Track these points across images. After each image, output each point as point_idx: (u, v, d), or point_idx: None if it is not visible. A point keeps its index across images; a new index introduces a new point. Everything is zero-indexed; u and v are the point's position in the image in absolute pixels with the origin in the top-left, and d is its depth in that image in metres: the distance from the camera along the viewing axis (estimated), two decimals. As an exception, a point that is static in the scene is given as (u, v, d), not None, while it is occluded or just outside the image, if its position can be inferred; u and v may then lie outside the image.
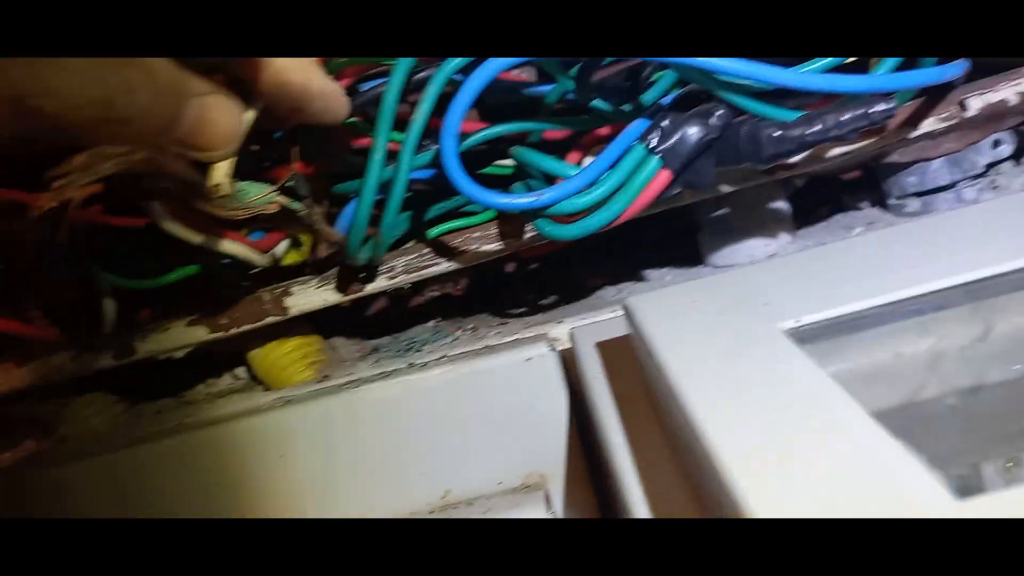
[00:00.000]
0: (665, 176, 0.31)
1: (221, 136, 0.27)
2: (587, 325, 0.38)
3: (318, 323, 0.50)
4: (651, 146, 0.31)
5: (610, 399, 0.30)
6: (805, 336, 0.25)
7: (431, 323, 0.49)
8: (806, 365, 0.22)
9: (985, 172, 0.41)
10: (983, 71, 0.37)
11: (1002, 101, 0.36)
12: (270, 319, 0.39)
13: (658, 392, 0.26)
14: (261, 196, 0.30)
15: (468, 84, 0.29)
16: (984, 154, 0.40)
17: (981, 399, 0.23)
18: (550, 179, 0.37)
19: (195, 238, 0.36)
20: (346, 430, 0.37)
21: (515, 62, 0.29)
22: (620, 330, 0.36)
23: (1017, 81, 0.37)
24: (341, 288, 0.39)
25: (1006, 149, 0.40)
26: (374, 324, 0.54)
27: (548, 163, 0.33)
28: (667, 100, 0.33)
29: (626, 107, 0.35)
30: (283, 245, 0.41)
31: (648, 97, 0.35)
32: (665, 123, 0.31)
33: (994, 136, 0.40)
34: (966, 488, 0.17)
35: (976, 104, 0.36)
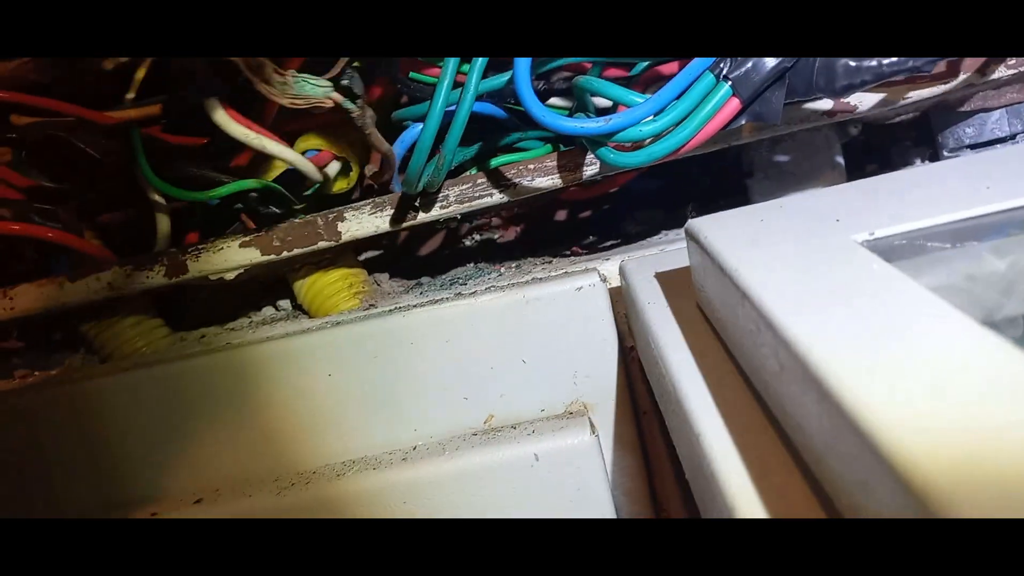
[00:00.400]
0: (734, 104, 0.31)
1: None
2: (638, 258, 0.38)
3: (361, 259, 0.50)
4: (722, 74, 0.31)
5: (670, 323, 0.30)
6: (881, 249, 0.24)
7: (471, 265, 0.49)
8: (891, 273, 0.22)
9: (1045, 127, 0.41)
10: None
11: (1072, 50, 0.36)
12: (322, 243, 0.39)
13: (731, 314, 0.26)
14: (319, 87, 0.31)
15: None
16: (1046, 108, 0.39)
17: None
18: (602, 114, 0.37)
19: (252, 140, 0.36)
20: (392, 354, 0.37)
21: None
22: (671, 262, 0.35)
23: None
24: (395, 216, 0.39)
25: (1068, 104, 0.40)
26: (415, 265, 0.54)
27: (615, 91, 0.33)
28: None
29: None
30: (335, 165, 0.42)
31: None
32: (737, 49, 0.31)
33: (1057, 89, 0.39)
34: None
35: (1045, 52, 0.36)
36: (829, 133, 0.41)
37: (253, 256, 0.40)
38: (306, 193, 0.41)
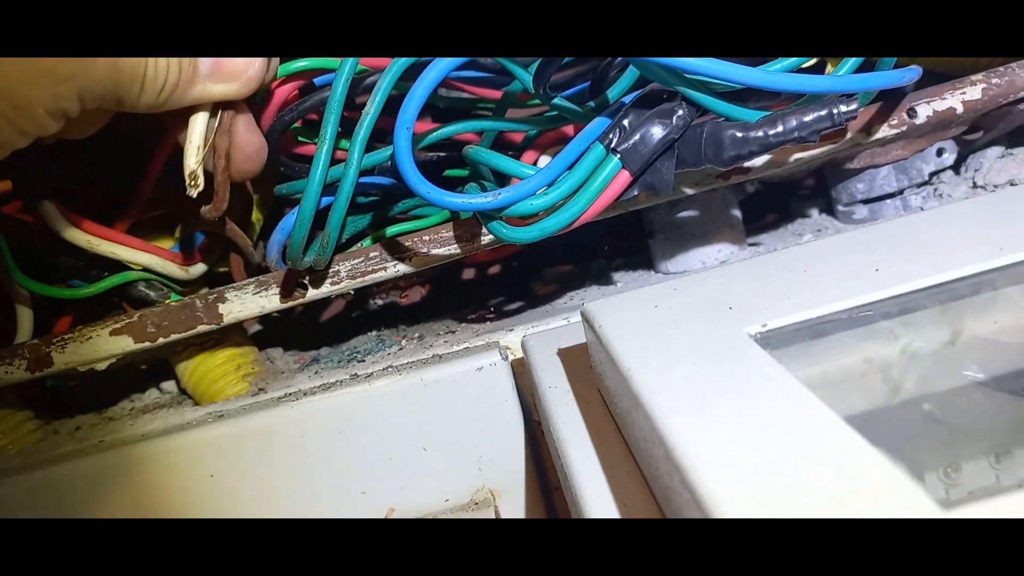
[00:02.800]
0: (625, 177, 0.30)
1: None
2: (539, 332, 0.36)
3: (252, 332, 0.47)
4: (611, 145, 0.30)
5: (569, 408, 0.29)
6: (771, 341, 0.24)
7: (373, 333, 0.47)
8: (776, 370, 0.21)
9: (929, 180, 0.42)
10: (929, 80, 0.38)
11: (949, 109, 0.37)
12: (202, 327, 0.37)
13: (620, 401, 0.25)
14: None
15: (424, 77, 0.28)
16: (929, 162, 0.40)
17: (952, 403, 0.22)
18: (503, 182, 0.36)
19: (99, 247, 0.34)
20: (282, 447, 0.34)
21: (466, 60, 0.28)
22: (573, 337, 0.34)
23: (962, 89, 0.37)
24: (281, 294, 0.37)
25: (949, 158, 0.41)
26: (313, 334, 0.52)
27: (504, 162, 0.32)
28: (627, 99, 0.32)
29: (585, 106, 0.34)
30: (205, 265, 0.39)
31: (608, 95, 0.34)
32: (626, 122, 0.30)
33: (938, 144, 0.40)
34: (946, 494, 0.16)
35: (924, 112, 0.37)
36: (726, 192, 0.41)
37: (125, 344, 0.36)
38: (193, 281, 0.38)
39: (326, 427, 0.34)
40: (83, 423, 0.41)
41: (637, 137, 0.30)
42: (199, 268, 0.38)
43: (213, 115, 0.31)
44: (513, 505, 0.35)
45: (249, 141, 0.31)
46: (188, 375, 0.40)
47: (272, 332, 0.50)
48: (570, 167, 0.31)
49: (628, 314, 0.26)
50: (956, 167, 0.43)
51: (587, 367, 0.31)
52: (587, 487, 0.25)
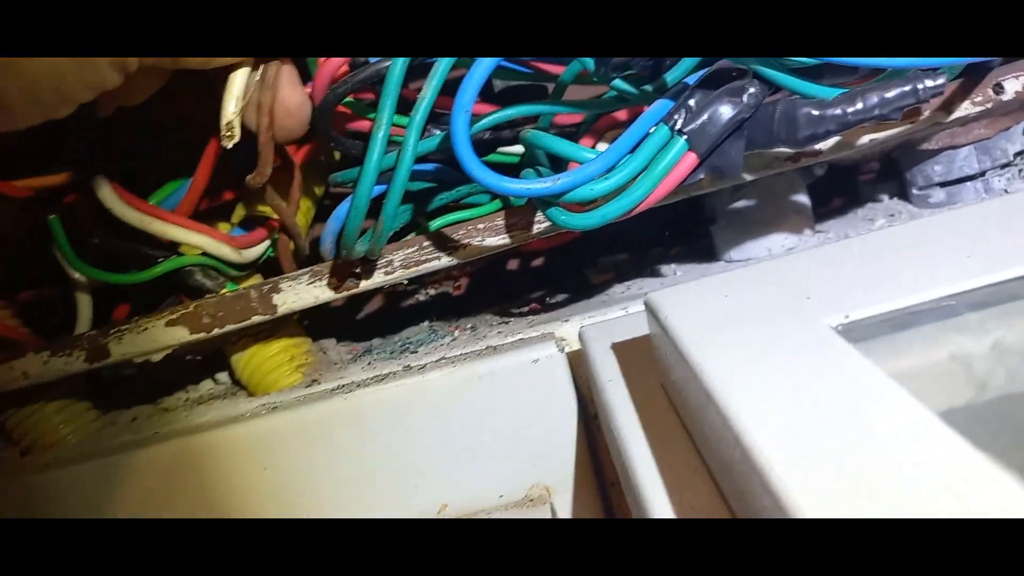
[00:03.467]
0: (691, 159, 0.29)
1: None
2: (597, 323, 0.35)
3: (305, 323, 0.47)
4: (676, 127, 0.29)
5: (630, 404, 0.28)
6: (855, 333, 0.22)
7: (425, 323, 0.46)
8: (863, 364, 0.20)
9: (1014, 160, 0.39)
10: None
11: (1040, 84, 0.34)
12: (256, 318, 0.36)
13: (688, 397, 0.24)
14: None
15: (482, 61, 0.27)
16: (1015, 141, 0.38)
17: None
18: (558, 167, 0.35)
19: (150, 225, 0.34)
20: (335, 439, 0.34)
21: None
22: (632, 329, 0.33)
23: (1055, 63, 0.35)
24: (334, 284, 0.36)
25: (1037, 137, 0.38)
26: (365, 325, 0.51)
27: (563, 146, 0.30)
28: (691, 79, 0.30)
29: (647, 87, 0.33)
30: (261, 247, 0.39)
31: (671, 76, 0.33)
32: (692, 102, 0.29)
33: (1026, 123, 0.38)
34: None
35: (1013, 87, 0.34)
36: (793, 176, 0.39)
37: (181, 336, 0.36)
38: (247, 265, 0.38)
39: (379, 419, 0.33)
40: (139, 414, 0.41)
41: (705, 117, 0.28)
42: (253, 252, 0.38)
43: (254, 69, 0.30)
44: (569, 501, 0.34)
45: (290, 95, 0.30)
46: (242, 366, 0.40)
47: (325, 323, 0.50)
48: (632, 150, 0.30)
49: (697, 304, 0.25)
50: (1043, 147, 0.40)
51: (649, 359, 0.30)
52: (648, 485, 0.24)
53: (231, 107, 0.30)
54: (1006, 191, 0.38)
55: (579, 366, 0.35)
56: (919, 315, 0.23)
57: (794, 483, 0.16)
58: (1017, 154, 0.39)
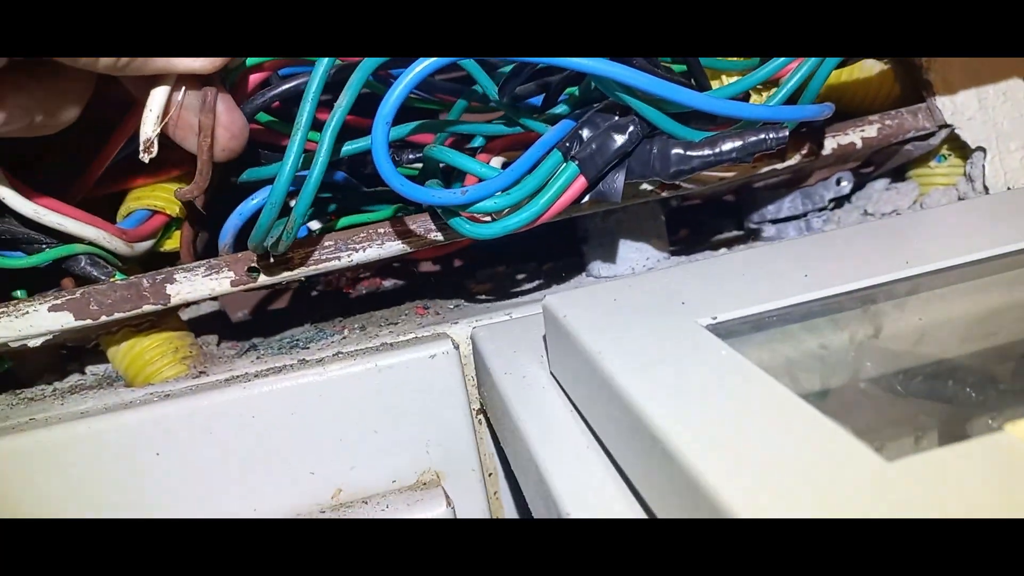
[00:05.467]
0: (581, 183, 0.33)
1: None
2: (487, 325, 0.38)
3: (185, 319, 0.47)
4: (570, 153, 0.33)
5: (523, 395, 0.31)
6: (721, 331, 0.27)
7: (309, 324, 0.47)
8: (730, 353, 0.24)
9: (828, 205, 0.47)
10: (835, 119, 0.43)
11: (850, 143, 0.42)
12: (148, 307, 0.36)
13: (585, 387, 0.28)
14: None
15: (406, 75, 0.29)
16: (830, 189, 0.46)
17: (885, 387, 0.26)
18: (450, 182, 0.38)
19: (45, 217, 0.33)
20: (232, 427, 0.35)
21: (451, 60, 0.30)
22: (521, 329, 0.37)
23: (862, 128, 0.43)
24: (231, 278, 0.37)
25: (846, 187, 0.46)
26: (244, 324, 0.51)
27: (468, 162, 0.34)
28: (578, 113, 0.35)
29: (542, 115, 0.37)
30: (151, 240, 0.39)
31: (560, 108, 0.37)
32: (584, 132, 0.33)
33: (838, 175, 0.46)
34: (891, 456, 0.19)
35: (830, 144, 0.42)
36: (654, 205, 0.44)
37: (65, 321, 0.36)
38: (136, 257, 0.37)
39: (278, 409, 0.35)
40: (1, 403, 0.39)
41: (594, 147, 0.33)
42: (145, 245, 0.38)
43: (176, 88, 0.31)
44: (458, 486, 0.36)
45: (233, 120, 0.31)
46: (122, 356, 0.39)
47: (204, 320, 0.49)
48: (530, 170, 0.34)
49: (591, 306, 0.29)
50: (849, 196, 0.49)
51: (537, 357, 0.34)
52: (549, 464, 0.27)
53: (149, 126, 0.30)
54: (822, 230, 0.46)
55: (467, 365, 0.38)
56: (770, 319, 0.28)
57: (682, 443, 0.20)
58: (831, 200, 0.47)
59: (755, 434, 0.20)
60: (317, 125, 0.32)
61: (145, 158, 0.31)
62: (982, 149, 0.44)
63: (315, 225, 0.40)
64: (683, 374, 0.23)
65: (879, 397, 0.24)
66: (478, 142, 0.42)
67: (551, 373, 0.32)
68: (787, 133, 0.32)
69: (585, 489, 0.25)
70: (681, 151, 0.33)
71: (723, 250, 0.47)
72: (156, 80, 0.31)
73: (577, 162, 0.33)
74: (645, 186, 0.39)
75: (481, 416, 0.38)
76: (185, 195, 0.32)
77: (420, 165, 0.41)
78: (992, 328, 0.26)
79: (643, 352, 0.25)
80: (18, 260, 0.35)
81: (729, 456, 0.19)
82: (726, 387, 0.22)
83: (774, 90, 0.35)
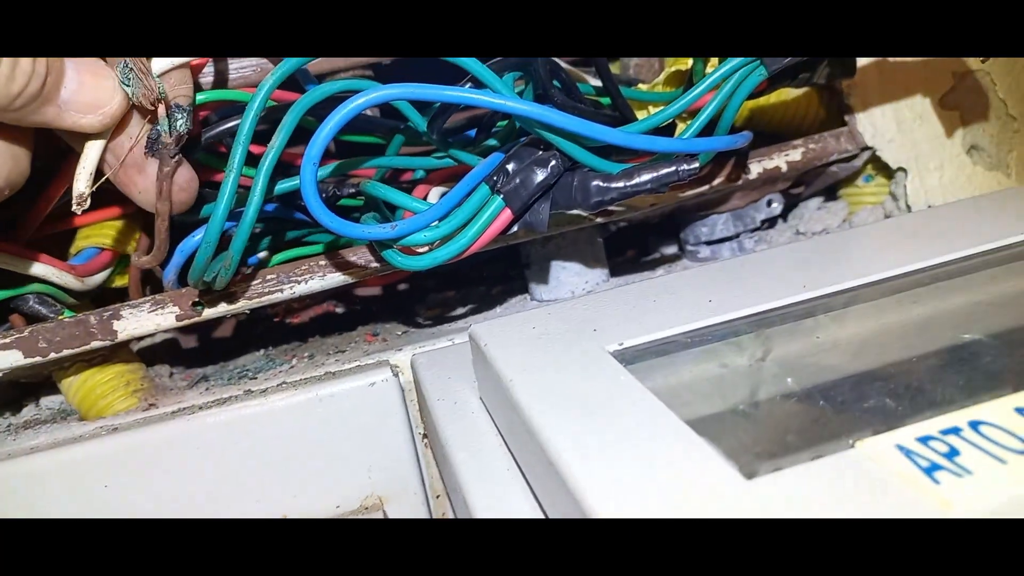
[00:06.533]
0: (507, 215, 0.35)
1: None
2: (427, 352, 0.40)
3: (137, 349, 0.48)
4: (496, 187, 0.35)
5: (459, 418, 0.33)
6: (627, 356, 0.29)
7: (261, 352, 0.49)
8: (628, 379, 0.26)
9: (761, 226, 0.49)
10: (761, 143, 0.45)
11: (776, 167, 0.44)
12: (96, 343, 0.38)
13: (501, 409, 0.29)
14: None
15: (332, 118, 0.31)
16: (761, 211, 0.48)
17: (764, 409, 0.28)
18: (392, 213, 0.40)
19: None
20: (177, 459, 0.36)
21: (380, 100, 0.31)
22: (458, 356, 0.38)
23: (786, 152, 0.45)
24: (176, 313, 0.38)
25: (777, 208, 0.48)
26: (198, 353, 0.52)
27: (399, 197, 0.35)
28: (506, 147, 0.37)
29: (470, 149, 0.38)
30: (103, 275, 0.40)
31: (491, 142, 0.39)
32: (509, 167, 0.35)
33: (768, 196, 0.48)
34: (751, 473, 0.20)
35: (756, 169, 0.44)
36: (592, 230, 0.46)
37: (15, 359, 0.37)
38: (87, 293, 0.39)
39: (222, 440, 0.36)
40: (-47, 440, 0.40)
41: (518, 181, 0.35)
42: (96, 279, 0.39)
43: (110, 140, 0.32)
44: (400, 510, 0.38)
45: (183, 172, 0.33)
46: (75, 390, 0.41)
47: (157, 351, 0.50)
48: (459, 204, 0.35)
49: (510, 335, 0.31)
50: (784, 215, 0.51)
51: (470, 383, 0.35)
52: (472, 486, 0.29)
53: (82, 183, 0.31)
54: (754, 250, 0.48)
55: (410, 391, 0.39)
56: (672, 344, 0.30)
57: (576, 473, 0.21)
58: (763, 221, 0.49)
59: (634, 451, 0.21)
60: (252, 160, 0.33)
61: (79, 211, 0.31)
62: (903, 169, 0.47)
63: (261, 255, 0.42)
64: (582, 398, 0.25)
65: (755, 418, 0.25)
66: (419, 174, 0.43)
67: (480, 398, 0.33)
68: (698, 165, 0.34)
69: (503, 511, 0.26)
70: (600, 183, 0.35)
71: (661, 270, 0.49)
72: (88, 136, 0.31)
73: (503, 195, 0.35)
74: (578, 212, 0.41)
75: (427, 439, 0.40)
76: (144, 264, 0.33)
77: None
78: (878, 347, 0.28)
79: (551, 380, 0.27)
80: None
81: (605, 470, 0.21)
82: (617, 409, 0.24)
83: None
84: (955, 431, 0.19)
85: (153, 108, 0.31)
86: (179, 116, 0.31)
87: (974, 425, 0.19)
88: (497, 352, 0.29)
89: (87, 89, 0.29)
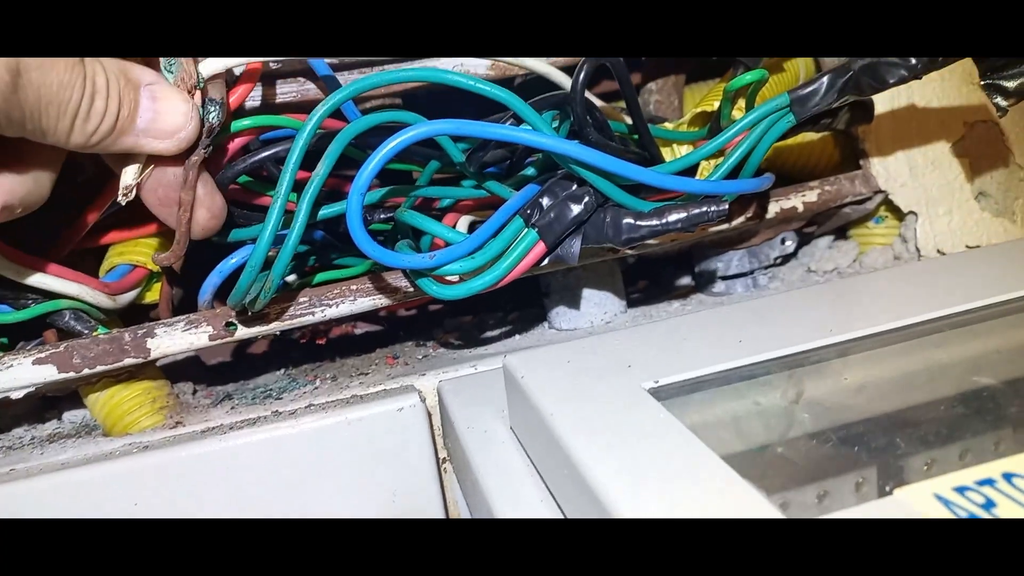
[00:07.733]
0: (540, 248, 0.36)
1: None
2: (452, 379, 0.41)
3: (160, 364, 0.48)
4: (530, 220, 0.36)
5: (488, 447, 0.33)
6: (662, 393, 0.30)
7: (282, 371, 0.49)
8: (666, 416, 0.27)
9: (774, 263, 0.50)
10: (778, 183, 0.46)
11: (792, 207, 0.46)
12: (129, 360, 0.38)
13: (538, 441, 0.30)
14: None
15: (381, 150, 0.32)
16: (775, 248, 0.49)
17: (799, 446, 0.29)
18: (420, 240, 0.41)
19: (26, 277, 0.35)
20: (206, 478, 0.36)
21: (429, 135, 0.32)
22: (484, 384, 0.39)
23: (803, 193, 0.46)
24: (210, 333, 0.39)
25: (790, 246, 0.49)
26: (219, 370, 0.53)
27: (436, 227, 0.36)
28: (540, 179, 0.38)
29: (505, 183, 0.40)
30: (134, 292, 0.41)
31: (524, 175, 0.40)
32: (543, 201, 0.36)
33: (783, 235, 0.49)
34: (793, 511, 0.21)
35: (774, 208, 0.45)
36: (612, 263, 0.47)
37: (48, 374, 0.37)
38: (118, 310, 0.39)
39: (252, 460, 0.36)
40: (-22, 452, 0.41)
41: (552, 215, 0.36)
42: (127, 297, 0.40)
43: (146, 165, 0.33)
44: (423, 533, 0.38)
45: (214, 201, 0.34)
46: (100, 405, 0.41)
47: (179, 366, 0.51)
48: (493, 235, 0.36)
49: (546, 368, 0.32)
50: (795, 253, 0.52)
51: (498, 412, 0.36)
52: (505, 514, 0.30)
53: (131, 176, 0.32)
54: (768, 286, 0.49)
55: (433, 415, 0.40)
56: (706, 382, 0.31)
57: (621, 508, 0.22)
58: (776, 258, 0.50)
59: (675, 486, 0.22)
60: (296, 186, 0.34)
61: (123, 201, 0.33)
62: (913, 213, 0.48)
63: (291, 278, 0.43)
64: (622, 433, 0.26)
65: (789, 456, 0.26)
66: (446, 202, 0.44)
67: (511, 428, 0.34)
68: (727, 207, 0.35)
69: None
70: (632, 220, 0.36)
71: (676, 303, 0.50)
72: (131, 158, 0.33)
73: (537, 229, 0.36)
74: (602, 247, 0.42)
75: (447, 464, 0.40)
76: (162, 261, 0.34)
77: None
78: (905, 392, 0.29)
79: (590, 413, 0.28)
80: (5, 315, 0.37)
81: (648, 503, 0.21)
82: (657, 446, 0.25)
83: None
84: (990, 482, 0.20)
85: (190, 93, 0.32)
86: (212, 108, 0.33)
87: (1008, 477, 0.20)
88: (534, 384, 0.30)
89: (162, 117, 0.30)
